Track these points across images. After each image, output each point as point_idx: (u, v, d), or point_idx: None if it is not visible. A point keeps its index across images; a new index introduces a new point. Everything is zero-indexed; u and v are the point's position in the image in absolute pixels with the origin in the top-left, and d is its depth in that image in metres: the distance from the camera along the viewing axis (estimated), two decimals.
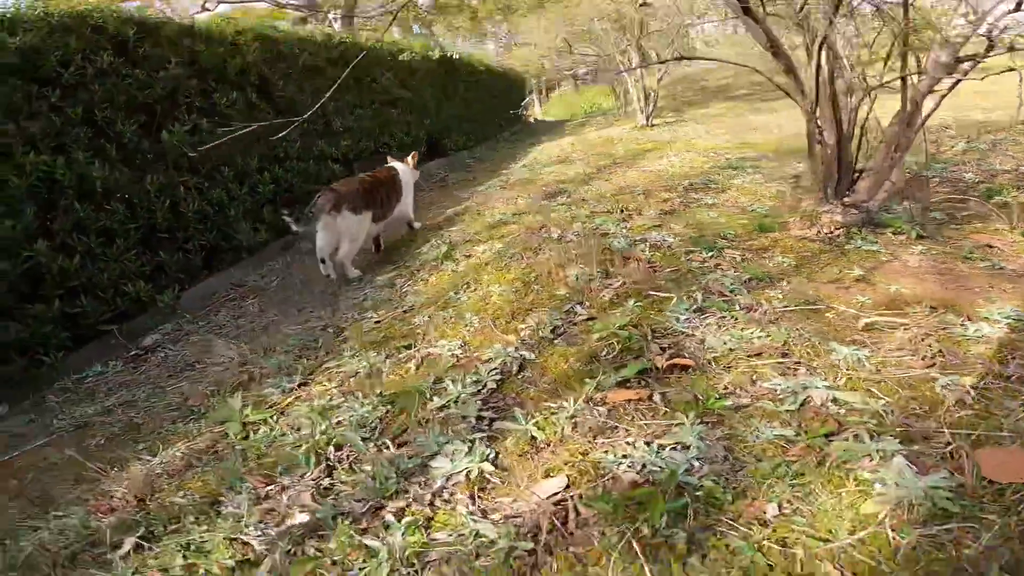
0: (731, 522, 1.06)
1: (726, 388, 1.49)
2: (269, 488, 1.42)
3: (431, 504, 1.25)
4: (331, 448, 1.53)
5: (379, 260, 3.35)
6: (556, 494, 1.21)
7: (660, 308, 2.00)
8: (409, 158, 3.76)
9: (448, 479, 1.31)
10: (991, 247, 2.49)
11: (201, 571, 1.20)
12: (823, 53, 2.29)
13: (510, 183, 4.71)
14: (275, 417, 1.78)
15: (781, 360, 1.58)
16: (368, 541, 1.16)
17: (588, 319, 2.00)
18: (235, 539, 1.25)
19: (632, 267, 2.36)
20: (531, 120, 9.76)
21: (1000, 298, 1.87)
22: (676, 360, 1.58)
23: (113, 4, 3.05)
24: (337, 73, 4.89)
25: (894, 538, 0.96)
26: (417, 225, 3.80)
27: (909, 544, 0.94)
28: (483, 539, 1.12)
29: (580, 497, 1.19)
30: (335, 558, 1.15)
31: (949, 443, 1.20)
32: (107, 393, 2.32)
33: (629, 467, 1.23)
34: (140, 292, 2.90)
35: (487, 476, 1.31)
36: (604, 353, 1.75)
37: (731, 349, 1.67)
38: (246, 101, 3.79)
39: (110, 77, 2.95)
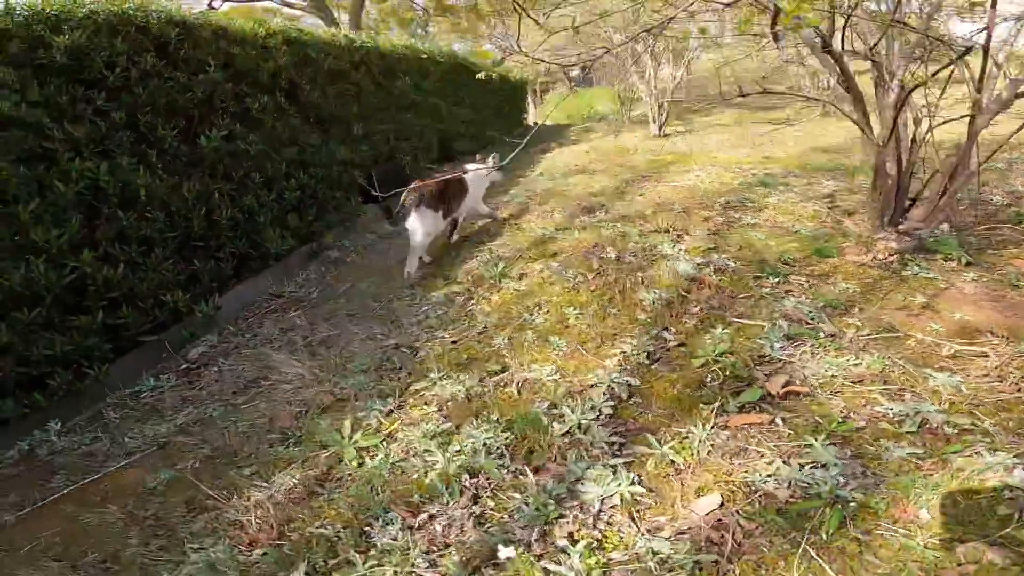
0: (889, 527, 1.31)
1: (842, 412, 1.75)
2: (420, 517, 1.59)
3: (594, 526, 1.46)
4: (465, 475, 1.71)
5: (428, 273, 3.53)
6: (712, 511, 1.44)
7: (748, 335, 2.26)
8: (491, 159, 4.28)
9: (602, 502, 1.53)
10: None
11: None
12: (899, 92, 2.63)
13: (536, 194, 4.95)
14: (385, 442, 1.96)
15: (885, 387, 1.85)
16: (549, 566, 1.36)
17: (679, 345, 2.25)
18: (410, 573, 1.43)
19: (706, 292, 2.63)
20: (531, 124, 10.10)
21: None
22: (791, 387, 1.84)
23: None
24: (359, 77, 5.14)
25: None
26: (485, 218, 4.32)
27: None
28: (660, 555, 1.34)
29: (739, 513, 1.42)
30: None
31: None
32: (173, 410, 2.43)
33: (778, 484, 1.47)
34: (178, 302, 3.02)
35: (638, 498, 1.53)
36: (709, 379, 2.00)
37: (832, 376, 1.95)
38: (276, 105, 3.98)
39: (153, 80, 3.09)
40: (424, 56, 6.21)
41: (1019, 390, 1.82)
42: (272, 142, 4.00)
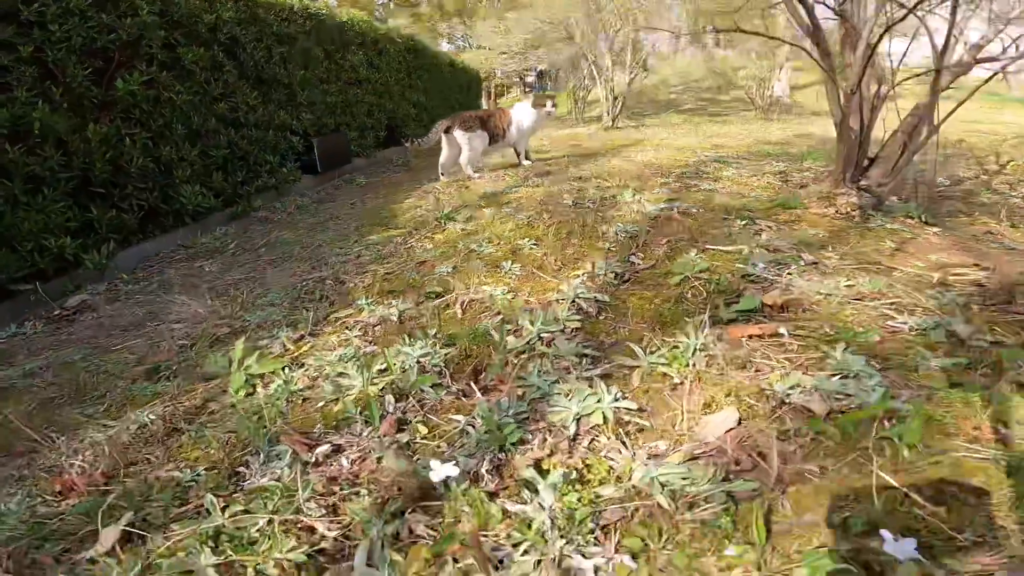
0: (972, 447, 0.89)
1: (852, 325, 1.35)
2: (319, 450, 1.05)
3: (571, 452, 0.97)
4: (390, 399, 1.19)
5: (364, 222, 2.97)
6: (731, 430, 0.99)
7: (726, 259, 1.86)
8: (547, 100, 4.34)
9: (578, 422, 1.04)
10: (992, 233, 2.65)
11: (249, 572, 0.82)
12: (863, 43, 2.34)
13: (487, 167, 4.48)
14: (288, 369, 1.40)
15: (891, 302, 1.48)
16: (510, 505, 0.86)
17: (651, 267, 1.82)
18: (294, 522, 0.89)
19: (674, 227, 2.22)
20: None
21: None
22: (791, 297, 1.43)
23: None
24: (309, 44, 4.54)
25: None
26: (527, 162, 4.44)
27: None
28: (672, 487, 0.86)
29: (766, 431, 0.97)
30: (464, 536, 0.83)
31: None
32: (28, 355, 1.76)
33: (807, 396, 1.04)
34: (64, 248, 2.40)
35: (625, 417, 1.06)
36: (691, 295, 1.57)
37: (828, 295, 1.56)
38: (212, 59, 3.48)
39: (73, 18, 2.61)
40: (381, 32, 5.65)
41: None
42: (202, 95, 3.43)
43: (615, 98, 6.87)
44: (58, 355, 1.83)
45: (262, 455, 1.07)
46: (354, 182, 5.02)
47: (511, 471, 0.94)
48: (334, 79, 5.12)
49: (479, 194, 3.26)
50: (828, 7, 2.69)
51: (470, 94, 8.72)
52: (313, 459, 1.05)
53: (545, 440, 1.00)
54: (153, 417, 1.27)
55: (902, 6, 2.14)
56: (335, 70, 5.11)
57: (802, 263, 1.86)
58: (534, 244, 2.10)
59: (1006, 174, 4.18)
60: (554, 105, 4.40)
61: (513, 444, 0.99)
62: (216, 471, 1.06)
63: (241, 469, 1.06)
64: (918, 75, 2.60)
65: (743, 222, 2.40)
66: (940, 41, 2.68)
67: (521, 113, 4.26)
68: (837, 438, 0.92)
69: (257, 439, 1.09)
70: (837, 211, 2.70)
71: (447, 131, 3.99)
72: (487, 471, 0.94)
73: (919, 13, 2.27)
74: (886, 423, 0.95)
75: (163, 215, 3.13)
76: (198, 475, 1.04)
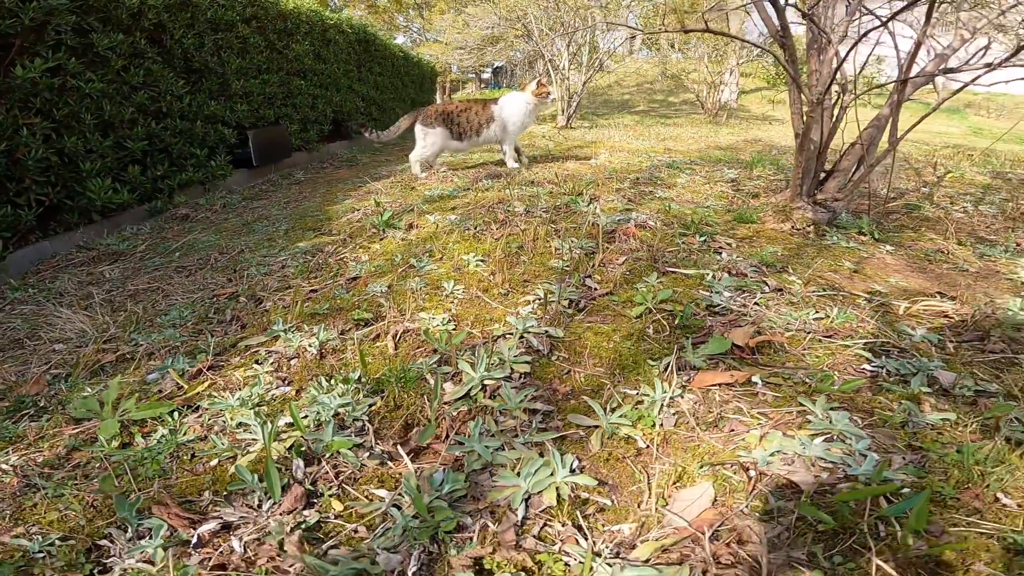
0: (976, 520, 0.79)
1: (827, 370, 1.25)
2: (204, 528, 0.83)
3: (518, 545, 0.80)
4: (299, 461, 0.98)
5: (295, 225, 2.70)
6: (705, 511, 0.85)
7: (688, 285, 1.75)
8: (534, 84, 3.84)
9: (528, 502, 0.87)
10: (941, 252, 2.69)
11: None
12: (833, 49, 2.29)
13: (434, 165, 4.25)
14: (176, 414, 1.16)
15: (864, 341, 1.40)
16: None
17: (607, 293, 1.68)
18: None
19: (631, 244, 2.10)
20: None
21: (995, 292, 1.94)
22: (764, 337, 1.32)
23: None
24: (247, 31, 4.17)
25: None
26: (515, 165, 3.94)
27: None
28: None
29: (748, 511, 0.83)
30: None
31: None
32: None
33: (790, 466, 0.91)
34: None
35: (584, 495, 0.90)
36: (652, 331, 1.43)
37: (798, 329, 1.47)
38: (131, 46, 3.15)
39: None
40: (330, 22, 5.28)
41: (1002, 351, 1.45)
42: (119, 84, 3.11)
43: (570, 97, 6.77)
44: None
45: (130, 529, 0.84)
46: (292, 178, 4.66)
47: (445, 570, 0.76)
48: (275, 69, 4.75)
49: (424, 197, 3.05)
50: (798, 9, 2.64)
51: (423, 89, 8.40)
52: (196, 538, 0.83)
53: (487, 528, 0.82)
54: (6, 467, 1.01)
55: (877, 17, 2.09)
56: (277, 59, 4.76)
57: (766, 289, 1.77)
58: (480, 260, 1.92)
59: (945, 186, 4.35)
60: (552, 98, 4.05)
61: (448, 532, 0.81)
62: (72, 542, 0.83)
63: (104, 542, 0.83)
64: (882, 85, 2.60)
65: (702, 238, 2.31)
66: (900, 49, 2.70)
67: (511, 107, 3.79)
68: (830, 523, 0.80)
69: (123, 509, 0.86)
70: (793, 226, 2.67)
71: (413, 126, 3.75)
72: (414, 571, 0.75)
73: (885, 19, 2.23)
74: (882, 500, 0.84)
75: (67, 211, 2.78)
76: (50, 545, 0.81)
